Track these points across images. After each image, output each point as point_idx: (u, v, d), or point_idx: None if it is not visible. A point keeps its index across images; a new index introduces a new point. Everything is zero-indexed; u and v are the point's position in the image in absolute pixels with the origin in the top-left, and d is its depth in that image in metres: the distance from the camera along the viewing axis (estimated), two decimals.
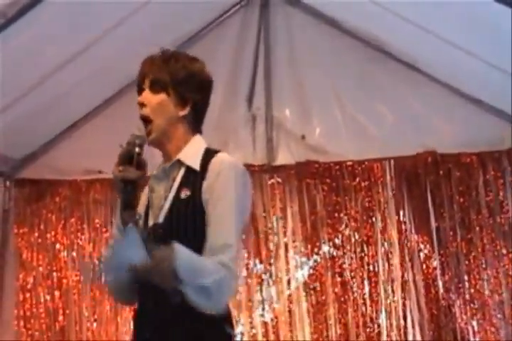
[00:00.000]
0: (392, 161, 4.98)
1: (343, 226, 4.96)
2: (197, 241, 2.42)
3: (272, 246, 5.01)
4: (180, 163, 2.57)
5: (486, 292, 4.75)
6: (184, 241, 2.36)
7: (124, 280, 2.50)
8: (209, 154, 2.57)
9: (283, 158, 5.11)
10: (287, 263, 4.99)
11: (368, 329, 4.82)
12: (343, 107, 5.06)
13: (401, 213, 4.94)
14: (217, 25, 5.15)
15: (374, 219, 4.95)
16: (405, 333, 4.79)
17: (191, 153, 2.58)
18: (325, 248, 4.96)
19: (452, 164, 4.90)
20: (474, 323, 4.73)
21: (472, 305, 4.75)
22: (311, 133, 5.09)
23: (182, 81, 2.60)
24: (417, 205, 4.93)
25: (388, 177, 4.99)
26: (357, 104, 5.06)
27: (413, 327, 4.81)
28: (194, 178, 2.51)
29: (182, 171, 2.55)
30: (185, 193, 2.50)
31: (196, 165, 2.54)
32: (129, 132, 5.32)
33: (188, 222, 2.47)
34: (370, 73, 5.05)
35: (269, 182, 5.08)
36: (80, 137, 5.14)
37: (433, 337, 4.76)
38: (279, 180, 5.08)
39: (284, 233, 5.02)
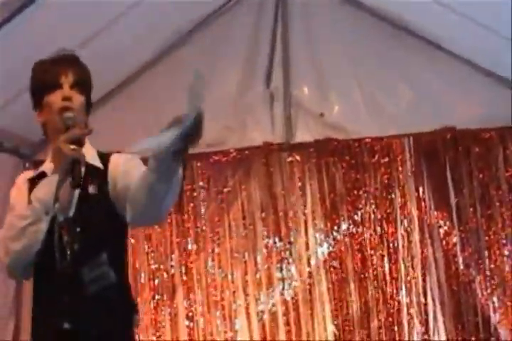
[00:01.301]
0: (411, 138, 4.94)
1: (363, 203, 4.95)
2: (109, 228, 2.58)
3: (291, 224, 5.02)
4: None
5: (507, 268, 4.74)
6: (96, 232, 2.53)
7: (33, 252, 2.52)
8: (104, 155, 2.71)
9: (301, 136, 5.08)
10: (307, 240, 4.99)
11: (388, 306, 4.83)
12: (362, 84, 5.02)
13: (420, 190, 4.92)
14: (234, 3, 5.11)
15: (393, 195, 4.93)
16: (425, 310, 4.80)
17: (89, 153, 2.63)
18: (344, 225, 4.95)
19: (471, 140, 4.87)
20: (495, 299, 4.73)
21: (492, 281, 4.74)
22: (329, 110, 5.06)
23: (91, 88, 2.71)
24: (437, 182, 4.92)
25: (407, 154, 4.96)
26: (376, 81, 5.02)
27: (433, 303, 4.81)
28: (98, 176, 2.61)
29: (83, 169, 2.54)
30: (92, 189, 2.59)
31: (98, 163, 2.65)
32: (146, 113, 5.30)
33: (99, 216, 2.57)
34: (389, 50, 5.00)
35: (288, 160, 5.06)
36: (97, 118, 5.11)
37: (453, 313, 4.77)
38: (298, 158, 5.06)
39: (304, 211, 5.03)
